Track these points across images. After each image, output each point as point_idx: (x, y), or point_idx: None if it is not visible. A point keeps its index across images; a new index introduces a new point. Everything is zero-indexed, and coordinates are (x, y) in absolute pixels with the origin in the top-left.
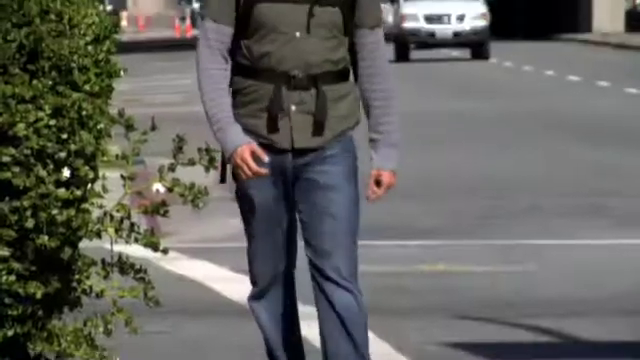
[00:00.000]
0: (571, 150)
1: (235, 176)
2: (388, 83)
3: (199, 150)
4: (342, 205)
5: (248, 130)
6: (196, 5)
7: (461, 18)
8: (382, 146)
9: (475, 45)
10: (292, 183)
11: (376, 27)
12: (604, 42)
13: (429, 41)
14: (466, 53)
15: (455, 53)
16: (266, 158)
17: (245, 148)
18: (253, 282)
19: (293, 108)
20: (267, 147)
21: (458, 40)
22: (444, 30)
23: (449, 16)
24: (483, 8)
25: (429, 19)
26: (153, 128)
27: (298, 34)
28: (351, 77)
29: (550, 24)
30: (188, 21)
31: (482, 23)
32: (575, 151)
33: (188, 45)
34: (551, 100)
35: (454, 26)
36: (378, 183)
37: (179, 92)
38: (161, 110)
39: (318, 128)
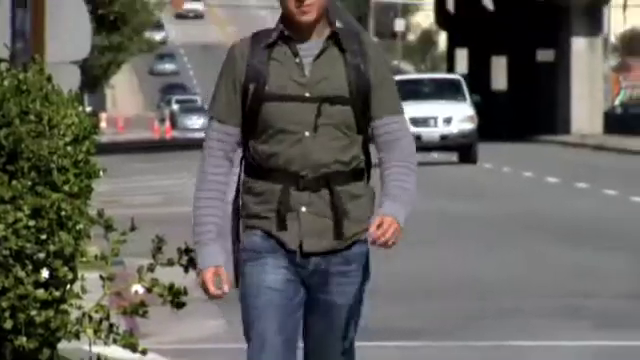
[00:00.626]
0: (550, 251)
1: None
2: (408, 165)
3: (178, 251)
4: (346, 324)
5: (259, 228)
6: (175, 107)
7: (448, 121)
8: (390, 201)
9: (463, 148)
10: (302, 281)
11: (394, 115)
12: (583, 143)
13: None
14: (452, 157)
15: (439, 156)
16: (226, 288)
17: (209, 271)
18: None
19: (303, 209)
20: (280, 244)
21: (445, 143)
22: (431, 133)
23: (436, 119)
24: (471, 110)
25: (415, 122)
26: (132, 229)
27: (307, 134)
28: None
29: (530, 126)
30: (167, 123)
31: (470, 126)
32: (554, 252)
33: (167, 146)
34: (530, 201)
35: (441, 129)
36: (379, 227)
37: (158, 193)
38: (140, 211)
39: (330, 231)
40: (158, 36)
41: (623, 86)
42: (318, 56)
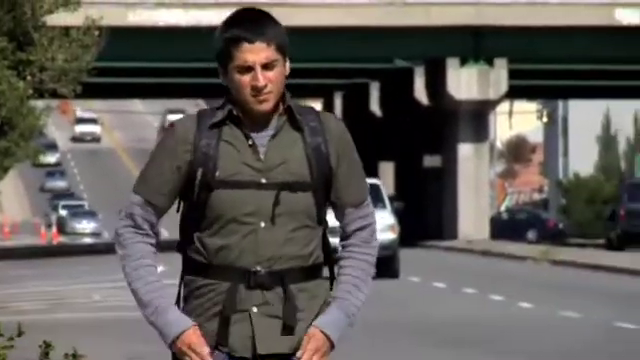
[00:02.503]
0: (432, 357)
1: None
2: (367, 259)
3: (66, 356)
4: None
5: (203, 337)
6: (63, 212)
7: None
8: (336, 308)
9: (383, 262)
10: None
11: (359, 207)
12: (469, 249)
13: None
14: None
15: None
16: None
17: (191, 330)
18: None
19: (254, 310)
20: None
21: None
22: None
23: None
24: (391, 219)
25: (330, 232)
26: (19, 334)
27: (262, 224)
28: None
29: (418, 231)
30: (54, 228)
31: (391, 236)
32: (436, 358)
33: (54, 252)
34: (416, 307)
35: None
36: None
37: (45, 299)
38: (27, 317)
39: (286, 333)
40: (52, 158)
41: (509, 192)
42: (273, 136)
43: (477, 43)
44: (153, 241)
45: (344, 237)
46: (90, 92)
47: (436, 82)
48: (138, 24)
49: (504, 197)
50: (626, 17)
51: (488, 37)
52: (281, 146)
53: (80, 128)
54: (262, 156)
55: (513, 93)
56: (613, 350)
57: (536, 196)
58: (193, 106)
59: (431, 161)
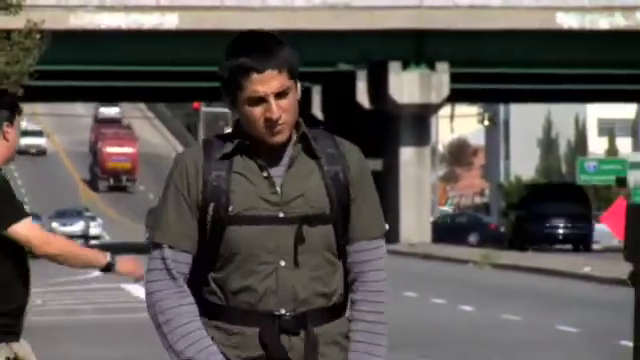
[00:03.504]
0: None
1: None
2: (379, 319)
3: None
4: None
5: None
6: None
7: None
8: None
9: None
10: None
11: (373, 239)
12: (411, 252)
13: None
14: None
15: None
16: None
17: None
18: None
19: None
20: None
21: None
22: None
23: None
24: None
25: None
26: None
27: (283, 263)
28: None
29: None
30: None
31: None
32: None
33: None
34: None
35: None
36: None
37: None
38: None
39: None
40: None
41: (450, 195)
42: (289, 166)
43: (419, 47)
44: (192, 299)
45: (351, 281)
46: (32, 95)
47: (378, 86)
48: (80, 27)
49: (445, 200)
50: (567, 21)
51: (430, 41)
52: (298, 177)
53: (25, 141)
54: (278, 188)
55: (455, 97)
56: (553, 352)
57: (478, 199)
58: (135, 110)
59: (373, 165)
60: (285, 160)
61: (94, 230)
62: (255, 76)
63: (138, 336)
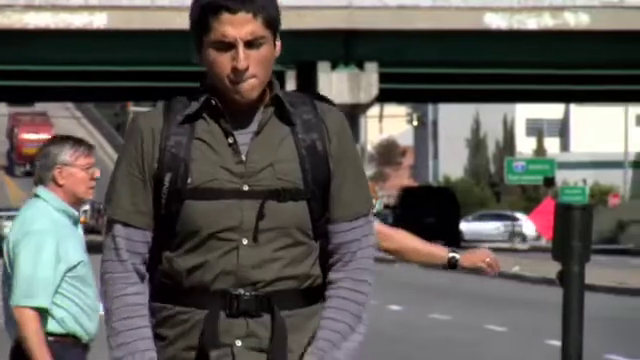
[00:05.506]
0: None
1: None
2: (357, 298)
3: None
4: None
5: None
6: None
7: None
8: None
9: None
10: None
11: (356, 218)
12: None
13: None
14: None
15: None
16: None
17: None
18: None
19: (238, 343)
20: None
21: None
22: None
23: None
24: None
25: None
26: None
27: (245, 241)
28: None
29: None
30: None
31: None
32: None
33: None
34: None
35: None
36: None
37: None
38: None
39: None
40: None
41: (379, 195)
42: (258, 132)
43: (348, 47)
44: (142, 287)
45: (332, 264)
46: None
47: (307, 86)
48: (7, 27)
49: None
50: (495, 21)
51: (359, 41)
52: (267, 145)
53: None
54: (244, 157)
55: (383, 97)
56: (481, 351)
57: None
58: (62, 109)
59: None
60: (254, 125)
61: None
62: (226, 16)
63: None
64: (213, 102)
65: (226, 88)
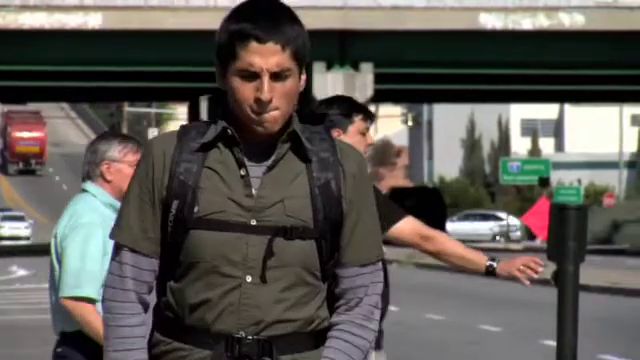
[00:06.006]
0: None
1: None
2: (359, 343)
3: None
4: None
5: None
6: None
7: None
8: None
9: None
10: None
11: (366, 265)
12: None
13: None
14: None
15: None
16: None
17: None
18: None
19: None
20: None
21: None
22: None
23: None
24: None
25: None
26: None
27: (249, 279)
28: None
29: None
30: None
31: None
32: None
33: None
34: None
35: None
36: None
37: None
38: None
39: None
40: None
41: None
42: (271, 167)
43: (343, 47)
44: (143, 318)
45: (337, 307)
46: None
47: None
48: (2, 27)
49: None
50: (490, 21)
51: (354, 41)
52: (279, 180)
53: None
54: (254, 191)
55: (379, 97)
56: (476, 352)
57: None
58: (58, 109)
59: None
60: (268, 159)
61: (25, 231)
62: (254, 45)
63: None
64: (229, 132)
65: (247, 117)
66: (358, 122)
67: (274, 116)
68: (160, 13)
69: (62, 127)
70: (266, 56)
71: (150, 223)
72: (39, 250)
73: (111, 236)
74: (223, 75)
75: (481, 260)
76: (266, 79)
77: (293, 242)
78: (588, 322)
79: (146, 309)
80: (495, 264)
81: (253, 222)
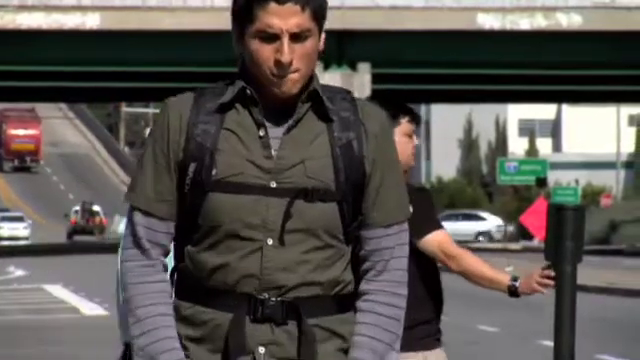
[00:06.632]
0: None
1: None
2: (394, 313)
3: None
4: None
5: None
6: None
7: None
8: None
9: None
10: None
11: (392, 225)
12: None
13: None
14: None
15: None
16: None
17: None
18: None
19: (261, 350)
20: None
21: None
22: None
23: None
24: None
25: None
26: None
27: (270, 241)
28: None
29: None
30: None
31: None
32: None
33: None
34: None
35: None
36: None
37: None
38: None
39: None
40: None
41: None
42: (291, 127)
43: (341, 47)
44: (164, 276)
45: (364, 272)
46: None
47: None
48: (0, 27)
49: None
50: (488, 22)
51: (352, 41)
52: (300, 141)
53: None
54: (274, 152)
55: (376, 97)
56: (474, 352)
57: None
58: (55, 109)
59: None
60: (288, 120)
61: (24, 232)
62: (273, 6)
63: (61, 335)
64: (248, 92)
65: (266, 80)
66: (405, 124)
67: (294, 78)
68: (158, 13)
69: (60, 127)
70: (285, 17)
71: (165, 186)
72: (37, 250)
73: (125, 199)
74: (240, 38)
75: (504, 280)
76: (286, 40)
77: (314, 204)
78: (586, 322)
79: (165, 270)
80: (517, 284)
81: (273, 184)
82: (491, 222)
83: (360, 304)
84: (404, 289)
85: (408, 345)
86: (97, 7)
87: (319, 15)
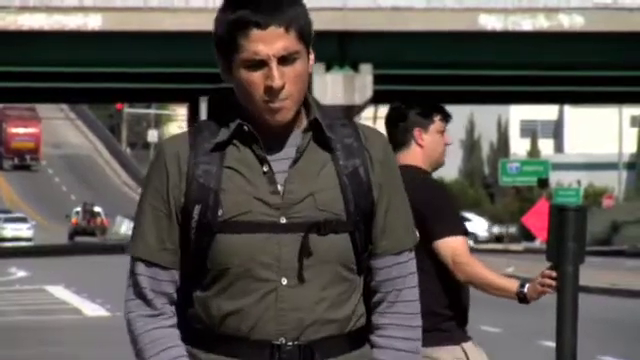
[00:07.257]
0: None
1: None
2: (410, 347)
3: None
4: None
5: None
6: None
7: None
8: None
9: None
10: None
11: (401, 252)
12: None
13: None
14: None
15: None
16: None
17: None
18: None
19: None
20: None
21: None
22: None
23: None
24: None
25: None
26: None
27: (285, 281)
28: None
29: None
30: None
31: None
32: None
33: None
34: None
35: None
36: None
37: None
38: None
39: None
40: None
41: None
42: (296, 160)
43: (342, 48)
44: (173, 321)
45: (376, 304)
46: None
47: None
48: (1, 28)
49: None
50: (490, 22)
51: (353, 42)
52: (306, 173)
53: None
54: (280, 187)
55: (378, 98)
56: None
57: None
58: (57, 110)
59: None
60: (291, 151)
61: (27, 233)
62: (255, 32)
63: (63, 336)
64: (246, 128)
65: (259, 109)
66: (437, 122)
67: (287, 106)
68: (159, 14)
69: (61, 128)
70: (270, 42)
71: (167, 234)
72: (39, 251)
73: (127, 252)
74: (227, 69)
75: (512, 287)
76: (274, 65)
77: (327, 237)
78: (588, 323)
79: (173, 316)
80: (525, 290)
81: (283, 220)
82: (476, 223)
83: (377, 340)
84: (419, 320)
85: (447, 339)
86: (99, 8)
87: (305, 34)
